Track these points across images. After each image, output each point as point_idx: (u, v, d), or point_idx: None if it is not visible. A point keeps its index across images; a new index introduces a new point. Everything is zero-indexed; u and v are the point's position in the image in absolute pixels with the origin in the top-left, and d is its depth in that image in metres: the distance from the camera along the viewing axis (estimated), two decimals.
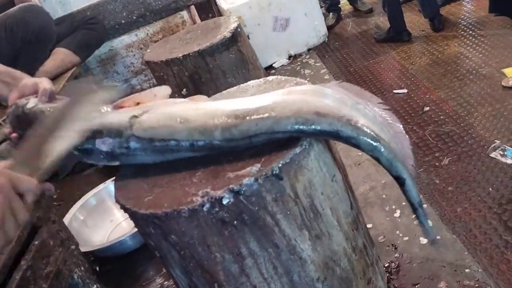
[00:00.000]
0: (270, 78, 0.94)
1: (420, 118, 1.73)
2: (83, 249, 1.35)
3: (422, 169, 1.94)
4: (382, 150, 0.66)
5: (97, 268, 1.47)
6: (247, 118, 0.67)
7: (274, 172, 0.66)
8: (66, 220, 1.50)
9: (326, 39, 2.73)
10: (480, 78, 2.11)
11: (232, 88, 0.98)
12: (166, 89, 0.82)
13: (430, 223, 0.73)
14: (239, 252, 0.70)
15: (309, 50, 2.61)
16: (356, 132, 0.66)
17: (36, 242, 0.97)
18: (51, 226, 1.06)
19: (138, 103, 0.81)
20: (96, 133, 0.72)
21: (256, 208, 0.67)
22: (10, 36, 1.97)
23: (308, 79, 2.27)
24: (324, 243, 0.75)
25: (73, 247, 1.10)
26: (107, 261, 1.43)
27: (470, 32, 2.52)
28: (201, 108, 0.73)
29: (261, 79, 0.95)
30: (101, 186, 1.63)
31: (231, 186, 0.65)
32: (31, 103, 0.77)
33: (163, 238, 0.71)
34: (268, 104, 0.68)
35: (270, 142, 0.68)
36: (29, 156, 0.62)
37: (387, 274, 0.99)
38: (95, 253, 1.41)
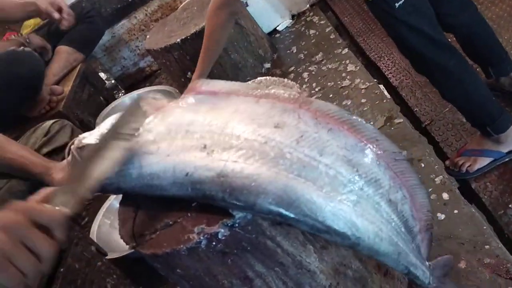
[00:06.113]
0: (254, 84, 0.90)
1: None
2: (113, 255, 1.41)
3: (447, 109, 1.84)
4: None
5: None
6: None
7: None
8: (95, 225, 1.55)
9: None
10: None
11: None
12: None
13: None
14: (245, 276, 0.70)
15: (312, 6, 2.49)
16: None
17: (62, 269, 1.02)
18: (75, 249, 1.10)
19: None
20: None
21: (254, 235, 0.66)
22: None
23: (313, 40, 2.19)
24: (331, 251, 0.75)
25: (99, 263, 1.14)
26: (138, 262, 1.49)
27: None
28: None
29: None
30: None
31: (224, 220, 0.64)
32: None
33: (170, 271, 0.72)
34: None
35: None
36: (72, 181, 0.60)
37: None
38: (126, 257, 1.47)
